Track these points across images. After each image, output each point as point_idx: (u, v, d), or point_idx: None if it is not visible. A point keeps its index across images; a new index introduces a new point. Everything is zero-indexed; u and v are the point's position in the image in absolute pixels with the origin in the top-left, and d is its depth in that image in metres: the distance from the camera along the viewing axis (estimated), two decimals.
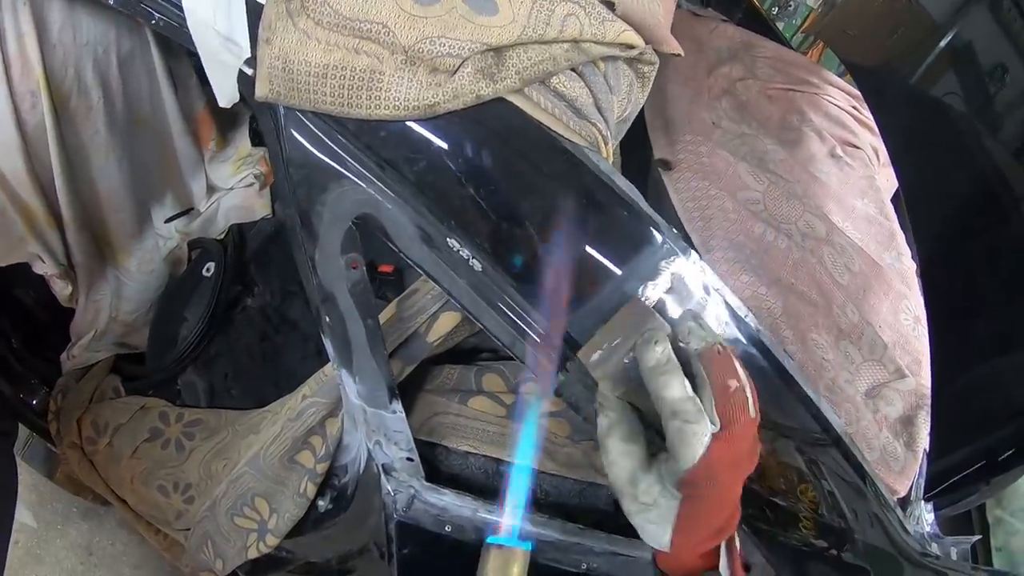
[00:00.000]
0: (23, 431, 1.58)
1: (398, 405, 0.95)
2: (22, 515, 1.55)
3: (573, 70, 0.80)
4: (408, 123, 0.76)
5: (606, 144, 0.81)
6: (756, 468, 0.75)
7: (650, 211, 0.82)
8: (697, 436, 0.56)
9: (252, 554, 1.32)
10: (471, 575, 1.02)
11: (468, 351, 1.19)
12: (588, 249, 0.79)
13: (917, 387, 1.40)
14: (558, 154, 0.78)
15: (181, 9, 0.85)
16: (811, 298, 1.37)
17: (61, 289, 1.45)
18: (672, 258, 0.81)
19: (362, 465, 1.09)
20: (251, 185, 1.71)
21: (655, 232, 0.81)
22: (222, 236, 1.71)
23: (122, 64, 1.34)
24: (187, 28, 0.86)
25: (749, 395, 0.58)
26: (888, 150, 1.48)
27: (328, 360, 1.60)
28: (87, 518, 1.70)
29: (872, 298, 1.48)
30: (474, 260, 0.79)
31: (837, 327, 1.38)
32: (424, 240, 0.80)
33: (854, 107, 1.94)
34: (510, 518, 0.71)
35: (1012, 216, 1.43)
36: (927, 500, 1.29)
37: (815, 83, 1.96)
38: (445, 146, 0.77)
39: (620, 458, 0.63)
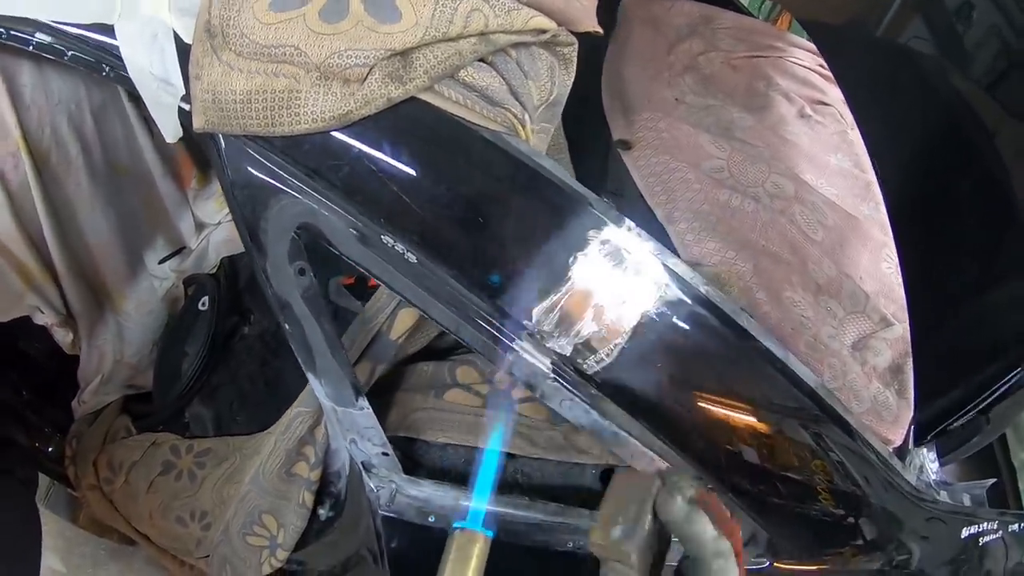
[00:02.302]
0: (44, 479, 1.64)
1: (364, 402, 0.98)
2: (51, 561, 1.62)
3: (483, 60, 0.83)
4: (328, 134, 0.80)
5: (523, 127, 0.84)
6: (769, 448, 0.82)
7: (576, 186, 0.85)
8: (734, 568, 0.63)
9: (266, 570, 1.36)
10: None
11: (444, 350, 1.22)
12: (515, 227, 0.82)
13: (904, 334, 1.39)
14: (474, 142, 0.81)
15: (121, 60, 0.91)
16: (783, 257, 1.37)
17: (63, 337, 1.51)
18: (601, 227, 0.83)
19: (347, 467, 1.13)
20: None
21: (580, 204, 0.83)
22: (214, 270, 1.77)
23: (96, 116, 1.40)
24: (128, 77, 0.92)
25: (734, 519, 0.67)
26: (851, 106, 1.48)
27: None
28: (116, 559, 1.76)
29: (850, 251, 1.48)
30: (408, 253, 0.83)
31: (815, 283, 1.38)
32: (361, 241, 0.84)
33: (821, 65, 1.93)
34: (473, 503, 0.74)
35: (986, 151, 1.42)
36: (922, 445, 1.28)
37: (779, 47, 1.96)
38: (364, 150, 0.81)
39: None
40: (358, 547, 1.22)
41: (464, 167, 0.82)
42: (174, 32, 0.89)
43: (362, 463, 1.06)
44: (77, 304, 1.49)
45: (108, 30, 0.91)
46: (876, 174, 1.44)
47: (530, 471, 1.13)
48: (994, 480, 1.48)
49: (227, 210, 1.77)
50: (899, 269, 1.50)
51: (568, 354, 0.85)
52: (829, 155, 1.70)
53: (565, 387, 0.89)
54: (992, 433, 1.40)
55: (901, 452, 1.28)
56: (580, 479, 1.16)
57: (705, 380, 0.96)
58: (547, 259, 0.81)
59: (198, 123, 0.86)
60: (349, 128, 0.79)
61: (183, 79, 0.88)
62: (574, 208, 0.83)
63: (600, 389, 0.89)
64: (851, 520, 1.19)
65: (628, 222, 0.86)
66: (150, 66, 0.90)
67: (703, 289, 0.90)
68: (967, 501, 1.44)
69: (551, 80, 0.94)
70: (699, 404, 0.96)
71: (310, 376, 0.98)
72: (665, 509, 0.65)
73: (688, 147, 1.50)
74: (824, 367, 1.28)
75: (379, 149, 0.80)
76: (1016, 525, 1.35)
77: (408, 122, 0.80)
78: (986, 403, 1.23)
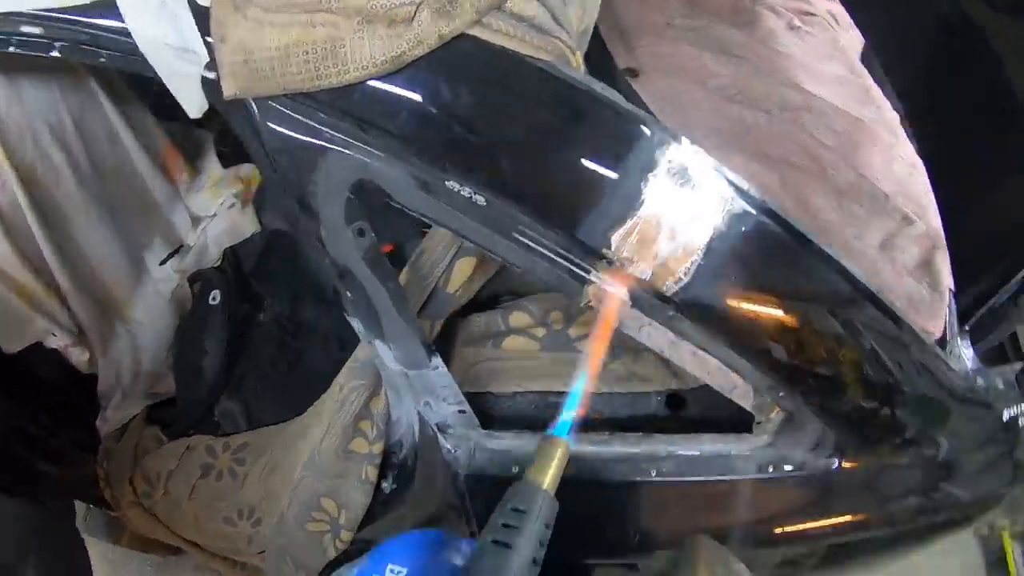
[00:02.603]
0: (80, 506, 1.59)
1: (438, 360, 0.96)
2: None
3: None
4: (379, 80, 0.76)
5: (573, 54, 0.81)
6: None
7: (632, 107, 0.82)
8: None
9: (331, 554, 1.34)
10: None
11: (487, 300, 1.20)
12: (583, 157, 0.79)
13: (928, 229, 1.41)
14: (531, 73, 0.78)
15: (127, 36, 0.84)
16: (804, 166, 1.37)
17: (78, 357, 1.46)
18: (666, 146, 0.81)
19: (416, 434, 1.10)
20: (232, 206, 1.70)
21: (643, 126, 0.81)
22: (218, 263, 1.71)
23: (77, 122, 1.33)
24: (137, 55, 0.86)
25: None
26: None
27: (350, 349, 1.62)
28: (163, 572, 1.73)
29: (863, 153, 1.48)
30: (477, 196, 0.80)
31: (835, 188, 1.39)
32: (423, 189, 0.81)
33: None
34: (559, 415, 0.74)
35: (979, 48, 1.43)
36: (965, 338, 1.30)
37: None
38: (420, 93, 0.77)
39: None
40: (432, 514, 1.20)
41: (524, 100, 0.79)
42: None
43: (436, 425, 1.03)
44: (86, 319, 1.43)
45: (106, 9, 0.84)
46: (883, 75, 1.45)
47: (600, 406, 1.13)
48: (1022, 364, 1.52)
49: (222, 199, 1.71)
50: (912, 167, 1.52)
51: (648, 278, 0.84)
52: (823, 64, 1.70)
53: (644, 314, 0.88)
54: (1019, 317, 1.44)
55: (942, 343, 1.31)
56: (647, 407, 1.16)
57: (772, 288, 0.96)
58: (619, 183, 0.79)
59: (229, 89, 0.80)
60: (401, 72, 0.75)
61: (204, 45, 0.82)
62: (638, 130, 0.80)
63: (679, 310, 0.88)
64: (905, 413, 1.22)
65: (686, 139, 0.84)
66: (164, 36, 0.84)
67: (763, 199, 0.89)
68: (1000, 385, 1.49)
69: (583, 7, 0.91)
70: (769, 311, 0.96)
71: (376, 344, 0.95)
72: None
73: (693, 68, 1.48)
74: (856, 266, 1.29)
75: (436, 90, 0.76)
76: None
77: (461, 59, 0.77)
78: (1015, 288, 1.26)
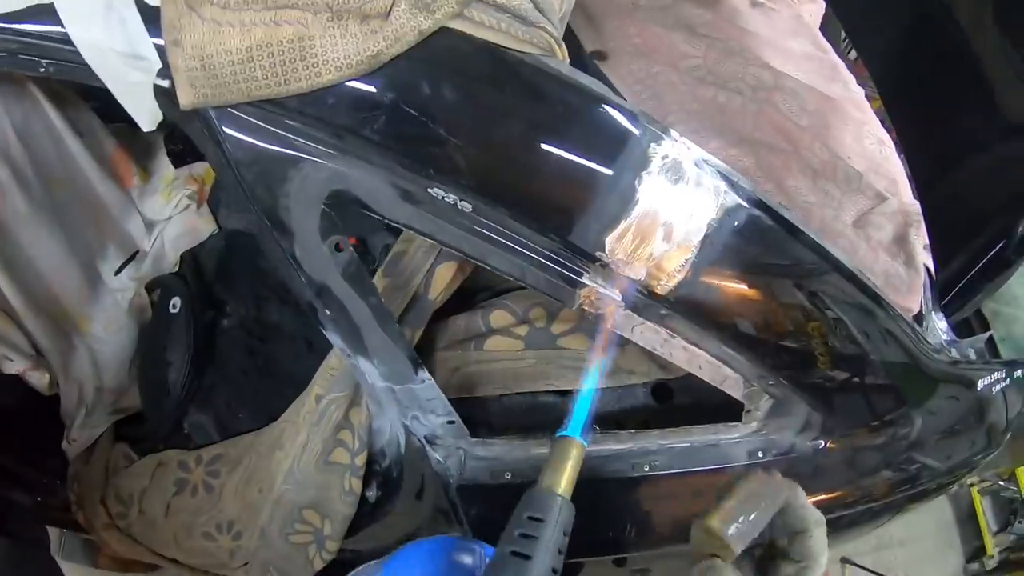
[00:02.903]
0: (54, 532, 1.52)
1: (425, 373, 0.92)
2: None
3: None
4: (354, 82, 0.71)
5: (560, 46, 0.77)
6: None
7: (621, 101, 0.79)
8: None
9: (317, 565, 1.31)
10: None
11: (463, 296, 1.16)
12: (575, 156, 0.75)
13: (901, 206, 1.42)
14: (517, 69, 0.74)
15: (70, 44, 0.77)
16: (779, 147, 1.37)
17: (38, 380, 1.37)
18: (658, 141, 0.78)
19: (402, 444, 1.07)
20: (188, 207, 1.62)
21: (633, 121, 0.78)
22: (177, 268, 1.62)
23: (20, 133, 1.23)
24: (81, 64, 0.78)
25: None
26: None
27: (319, 349, 1.56)
28: None
29: (834, 132, 1.48)
30: (462, 202, 0.75)
31: (811, 168, 1.39)
32: (405, 198, 0.76)
33: None
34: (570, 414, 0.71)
35: (947, 24, 1.43)
36: (941, 312, 1.32)
37: None
38: (399, 94, 0.72)
39: None
40: (421, 523, 1.17)
41: (512, 98, 0.74)
42: None
43: (424, 437, 1.00)
44: (44, 340, 1.35)
45: (44, 13, 0.77)
46: (842, 44, 1.44)
47: None
48: (991, 333, 1.56)
49: (176, 202, 1.62)
50: (882, 143, 1.53)
51: (643, 277, 0.81)
52: (789, 40, 1.69)
53: (637, 314, 0.85)
54: (992, 290, 1.47)
55: (919, 318, 1.33)
56: (633, 400, 1.15)
57: (764, 279, 0.94)
58: (613, 183, 0.76)
59: (186, 98, 0.74)
60: (379, 72, 0.70)
61: (155, 50, 0.75)
62: (631, 126, 0.77)
63: (673, 308, 0.86)
64: (881, 391, 1.23)
65: (675, 132, 0.81)
66: (110, 42, 0.76)
67: (754, 191, 0.87)
68: (973, 355, 1.53)
69: None
70: (761, 302, 0.95)
71: (359, 360, 0.91)
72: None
73: (663, 49, 1.45)
74: (837, 248, 1.30)
75: (416, 91, 0.71)
76: (1019, 371, 1.43)
77: (443, 55, 0.72)
78: (993, 263, 1.28)
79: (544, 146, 0.75)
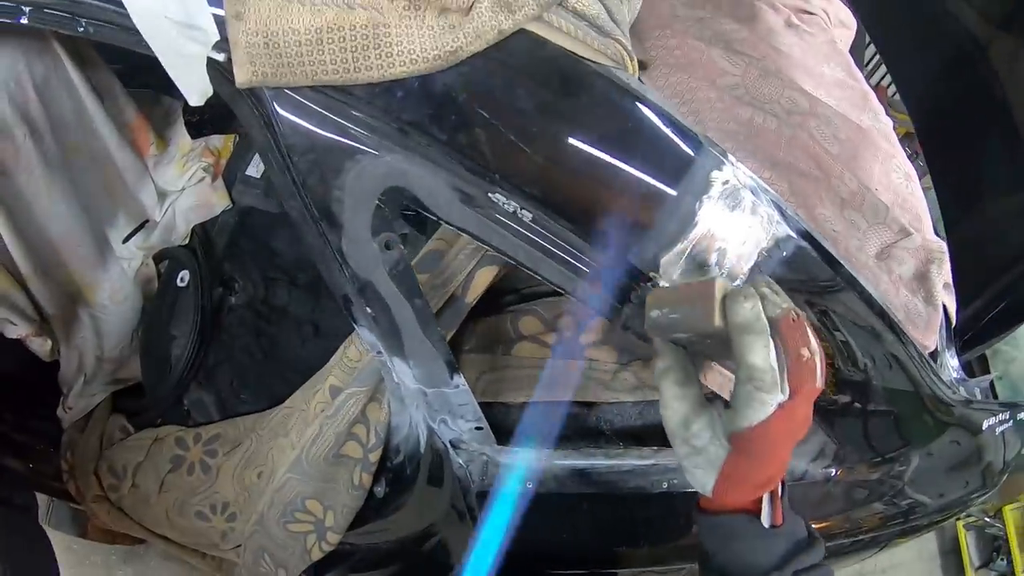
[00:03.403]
0: (43, 499, 1.48)
1: (460, 379, 0.90)
2: None
3: None
4: (427, 77, 0.68)
5: (632, 59, 0.75)
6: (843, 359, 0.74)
7: (685, 122, 0.78)
8: (764, 403, 0.57)
9: (316, 555, 1.29)
10: (560, 527, 1.03)
11: (491, 297, 1.14)
12: (641, 174, 0.74)
13: (923, 243, 1.43)
14: (590, 79, 0.72)
15: (118, 5, 0.73)
16: (811, 173, 1.36)
17: (40, 346, 1.33)
18: (721, 166, 0.77)
19: (422, 443, 1.05)
20: (202, 180, 1.58)
21: (699, 144, 0.77)
22: (187, 241, 1.58)
23: (40, 92, 1.18)
24: (127, 27, 0.74)
25: (819, 364, 0.59)
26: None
27: (325, 334, 1.53)
28: (129, 562, 1.64)
29: (863, 162, 1.48)
30: (523, 211, 0.74)
31: (839, 197, 1.38)
32: (464, 201, 0.74)
33: None
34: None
35: (982, 64, 1.43)
36: (961, 351, 1.33)
37: None
38: (473, 95, 0.69)
39: (673, 401, 0.64)
40: (432, 523, 1.16)
41: (585, 109, 0.72)
42: None
43: (450, 441, 0.98)
44: (49, 306, 1.31)
45: None
46: (896, 84, 1.44)
47: (611, 416, 1.10)
48: (997, 375, 1.58)
49: (190, 174, 1.58)
50: (908, 178, 1.53)
51: None
52: (822, 66, 1.68)
53: None
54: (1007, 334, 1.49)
55: (934, 356, 1.34)
56: (656, 416, 1.13)
57: (804, 310, 0.94)
58: (675, 205, 0.75)
59: (243, 76, 0.70)
60: (453, 69, 0.67)
61: (215, 21, 0.72)
62: (694, 148, 0.76)
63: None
64: (894, 427, 1.24)
65: (732, 158, 0.80)
66: (163, 8, 0.72)
67: (800, 221, 0.87)
68: (978, 394, 1.54)
69: (628, 3, 0.85)
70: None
71: (395, 360, 0.89)
72: (730, 307, 0.58)
73: (702, 64, 1.43)
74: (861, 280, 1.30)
75: (491, 92, 0.69)
76: (1022, 414, 1.45)
77: (520, 58, 0.69)
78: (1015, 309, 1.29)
79: (611, 161, 0.73)
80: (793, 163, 1.36)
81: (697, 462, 0.63)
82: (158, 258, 1.58)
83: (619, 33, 0.74)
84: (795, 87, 1.51)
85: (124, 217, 1.50)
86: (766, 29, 1.69)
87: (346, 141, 0.72)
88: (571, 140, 0.72)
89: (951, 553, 2.54)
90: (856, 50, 1.89)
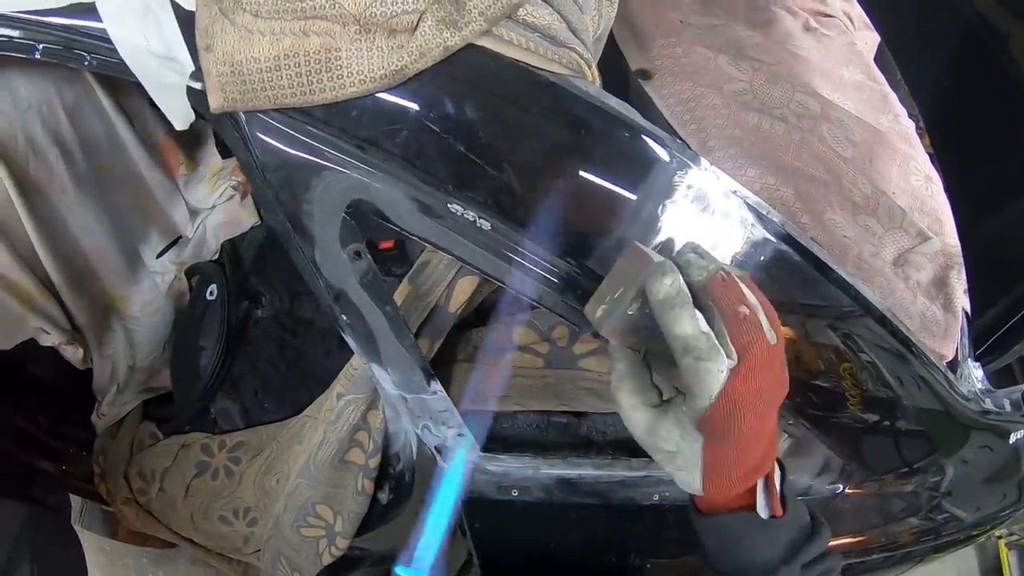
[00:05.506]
0: (76, 500, 1.57)
1: (437, 385, 0.92)
2: None
3: None
4: (379, 96, 0.71)
5: (589, 67, 0.76)
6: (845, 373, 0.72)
7: (650, 127, 0.78)
8: (711, 372, 0.53)
9: (327, 560, 1.32)
10: (545, 535, 1.03)
11: (489, 310, 1.16)
12: (598, 180, 0.75)
13: (943, 247, 1.37)
14: (543, 89, 0.73)
15: (109, 41, 0.79)
16: (820, 178, 1.33)
17: (72, 355, 1.42)
18: (684, 170, 0.77)
19: (414, 451, 1.07)
20: (232, 198, 1.66)
21: (661, 147, 0.77)
22: (216, 256, 1.67)
23: (71, 115, 1.27)
24: (122, 61, 0.81)
25: (763, 319, 0.56)
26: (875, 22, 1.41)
27: (353, 352, 1.59)
28: (160, 564, 1.72)
29: (880, 165, 1.44)
30: (481, 220, 0.75)
31: (851, 202, 1.35)
32: (424, 212, 0.76)
33: None
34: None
35: (1001, 56, 1.37)
36: (976, 359, 1.27)
37: None
38: (423, 109, 0.72)
39: (633, 411, 0.61)
40: None
41: (536, 118, 0.74)
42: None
43: (435, 447, 1.00)
44: (82, 317, 1.39)
45: (87, 11, 0.79)
46: (896, 75, 1.39)
47: (603, 427, 1.10)
48: None
49: (220, 192, 1.66)
50: (929, 180, 1.47)
51: None
52: (841, 68, 1.64)
53: None
54: None
55: (953, 365, 1.28)
56: None
57: (788, 316, 0.92)
58: (635, 211, 0.75)
59: (215, 102, 0.76)
60: (403, 86, 0.70)
61: (190, 53, 0.77)
62: (656, 153, 0.76)
63: None
64: (910, 440, 1.19)
65: (704, 161, 0.79)
66: (146, 43, 0.78)
67: (782, 224, 0.85)
68: (1008, 407, 1.46)
69: (599, 12, 0.86)
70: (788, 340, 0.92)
71: (373, 367, 0.92)
72: (648, 289, 0.55)
73: (708, 71, 1.42)
74: (873, 287, 1.25)
75: (440, 106, 0.71)
76: None
77: (469, 72, 0.71)
78: None
79: (566, 169, 0.74)
80: (801, 168, 1.33)
81: (677, 464, 0.60)
82: (189, 273, 1.66)
83: (576, 42, 0.75)
84: (808, 91, 1.48)
85: (157, 233, 1.59)
86: (783, 33, 1.66)
87: (311, 158, 0.76)
88: (522, 149, 0.74)
89: (992, 572, 2.40)
90: (888, 55, 1.83)
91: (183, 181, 1.61)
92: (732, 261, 0.81)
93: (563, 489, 1.02)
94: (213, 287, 1.62)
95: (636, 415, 0.61)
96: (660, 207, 0.75)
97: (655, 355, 0.64)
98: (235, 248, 1.71)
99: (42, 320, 1.32)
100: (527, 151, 0.75)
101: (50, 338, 1.35)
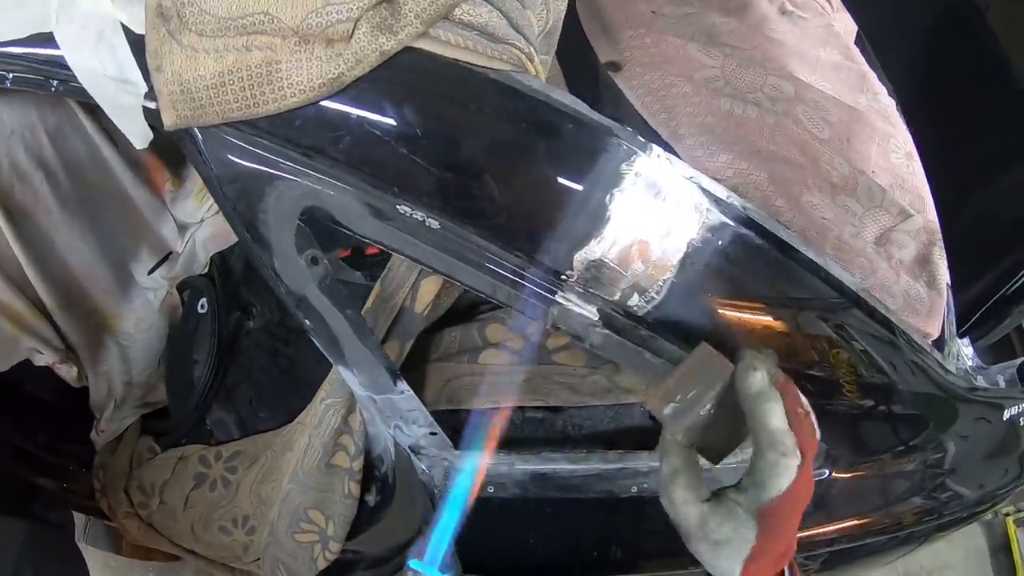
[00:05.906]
0: (80, 518, 1.60)
1: (403, 385, 0.93)
2: None
3: None
4: (320, 104, 0.73)
5: (531, 61, 0.77)
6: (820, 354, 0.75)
7: (598, 117, 0.78)
8: (789, 468, 0.58)
9: (321, 564, 1.34)
10: (522, 531, 1.03)
11: (465, 309, 1.17)
12: (542, 173, 0.75)
13: (925, 224, 1.36)
14: (483, 86, 0.74)
15: (68, 68, 0.82)
16: (796, 160, 1.32)
17: (67, 373, 1.44)
18: (632, 158, 0.77)
19: (393, 453, 1.09)
20: (218, 212, 1.68)
21: (608, 137, 0.77)
22: (206, 269, 1.69)
23: (53, 139, 1.29)
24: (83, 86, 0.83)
25: (814, 420, 0.61)
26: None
27: None
28: None
29: (858, 145, 1.43)
30: (430, 220, 0.76)
31: (829, 183, 1.34)
32: (375, 215, 0.78)
33: None
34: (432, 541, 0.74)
35: (981, 33, 1.35)
36: (961, 336, 1.26)
37: None
38: (363, 114, 0.73)
39: (686, 506, 0.63)
40: (417, 529, 1.19)
41: (476, 115, 0.75)
42: (122, 24, 0.80)
43: (409, 447, 1.01)
44: (74, 336, 1.42)
45: (46, 40, 0.82)
46: (877, 62, 1.38)
47: (579, 421, 1.10)
48: (1022, 360, 1.47)
49: (208, 206, 1.68)
50: (910, 157, 1.46)
51: (617, 298, 0.80)
52: (818, 49, 1.63)
53: (615, 334, 0.84)
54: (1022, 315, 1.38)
55: (939, 343, 1.27)
56: (630, 419, 1.13)
57: (754, 299, 0.91)
58: (582, 202, 0.75)
59: (168, 120, 0.78)
60: (343, 93, 0.72)
61: (142, 75, 0.79)
62: (602, 142, 0.76)
63: (651, 329, 0.85)
64: (900, 418, 1.18)
65: (656, 148, 0.79)
66: (102, 68, 0.81)
67: (743, 207, 0.85)
68: (1002, 383, 1.44)
69: (546, 7, 0.86)
70: (750, 324, 0.92)
71: (341, 369, 0.93)
72: (742, 381, 0.60)
73: (679, 59, 1.42)
74: (854, 268, 1.25)
75: (380, 110, 0.73)
76: None
77: (407, 75, 0.73)
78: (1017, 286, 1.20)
79: (509, 163, 0.75)
80: (776, 151, 1.33)
81: (723, 553, 0.62)
82: (180, 287, 1.68)
83: (516, 38, 0.76)
84: (783, 74, 1.48)
85: (147, 250, 1.61)
86: (759, 18, 1.66)
87: (263, 168, 0.77)
88: (466, 146, 0.75)
89: (1001, 551, 2.37)
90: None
91: (170, 197, 1.63)
92: (688, 247, 0.81)
93: (537, 484, 1.02)
94: (204, 300, 1.64)
95: (690, 509, 0.63)
96: (608, 196, 0.75)
97: (704, 450, 0.67)
98: (224, 260, 1.73)
99: (35, 341, 1.35)
100: (469, 148, 0.76)
101: (44, 358, 1.38)
